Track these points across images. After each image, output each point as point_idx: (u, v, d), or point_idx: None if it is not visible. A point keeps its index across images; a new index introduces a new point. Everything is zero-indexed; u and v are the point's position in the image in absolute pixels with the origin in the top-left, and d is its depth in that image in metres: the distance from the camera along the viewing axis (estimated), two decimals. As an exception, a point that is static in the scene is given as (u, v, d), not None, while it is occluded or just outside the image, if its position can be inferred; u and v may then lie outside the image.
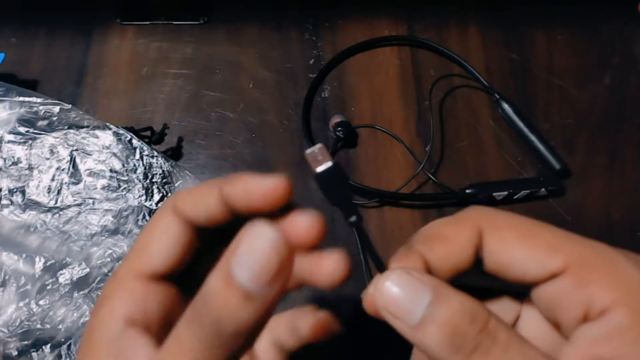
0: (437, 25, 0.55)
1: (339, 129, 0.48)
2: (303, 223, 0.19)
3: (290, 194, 0.19)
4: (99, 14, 0.56)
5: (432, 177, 0.48)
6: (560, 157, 0.48)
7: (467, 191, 0.46)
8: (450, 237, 0.19)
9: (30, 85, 0.52)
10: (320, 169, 0.20)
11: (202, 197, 0.20)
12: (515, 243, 0.18)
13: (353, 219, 0.20)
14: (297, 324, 0.27)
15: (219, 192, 0.19)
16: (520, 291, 0.20)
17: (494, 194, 0.46)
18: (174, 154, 0.50)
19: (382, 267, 0.20)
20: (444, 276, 0.19)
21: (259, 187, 0.19)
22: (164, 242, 0.20)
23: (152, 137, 0.47)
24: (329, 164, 0.19)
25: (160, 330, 0.19)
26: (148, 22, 0.55)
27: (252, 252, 0.16)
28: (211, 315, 0.16)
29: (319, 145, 0.19)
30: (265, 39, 0.55)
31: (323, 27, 0.55)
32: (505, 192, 0.46)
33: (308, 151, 0.19)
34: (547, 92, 0.52)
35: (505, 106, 0.50)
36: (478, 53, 0.54)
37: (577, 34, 0.55)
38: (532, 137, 0.49)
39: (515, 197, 0.47)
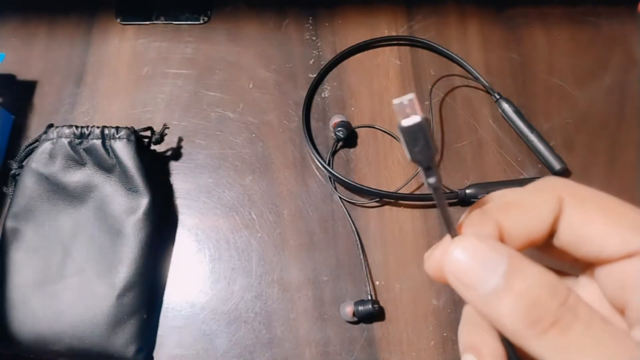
0: (437, 25, 0.55)
1: (339, 129, 0.48)
2: None
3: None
4: (99, 14, 0.56)
5: (432, 177, 0.48)
6: (560, 157, 0.48)
7: (467, 191, 0.46)
8: (529, 206, 0.18)
9: (30, 85, 0.52)
10: (406, 122, 0.18)
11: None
12: (598, 217, 0.17)
13: (432, 180, 0.18)
14: None
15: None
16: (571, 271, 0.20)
17: (494, 194, 0.46)
18: (174, 154, 0.50)
19: (453, 231, 0.18)
20: (518, 246, 0.18)
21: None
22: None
23: (152, 137, 0.47)
24: (417, 118, 0.17)
25: None
26: (148, 22, 0.55)
27: None
28: None
29: (409, 96, 0.18)
30: (265, 39, 0.55)
31: (323, 27, 0.55)
32: (505, 192, 0.46)
33: (396, 101, 0.18)
34: (547, 92, 0.52)
35: (505, 106, 0.50)
36: (478, 53, 0.54)
37: (577, 34, 0.55)
38: (532, 137, 0.49)
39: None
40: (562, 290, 0.16)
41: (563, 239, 0.18)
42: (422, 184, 0.48)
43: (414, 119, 0.18)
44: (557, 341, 0.15)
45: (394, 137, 0.50)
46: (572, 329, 0.15)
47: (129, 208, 0.43)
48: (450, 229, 0.18)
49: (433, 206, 0.47)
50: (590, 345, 0.15)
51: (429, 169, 0.18)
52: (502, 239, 0.18)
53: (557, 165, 0.48)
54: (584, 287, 0.20)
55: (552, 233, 0.18)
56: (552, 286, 0.16)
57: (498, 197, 0.19)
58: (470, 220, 0.18)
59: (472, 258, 0.17)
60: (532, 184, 0.19)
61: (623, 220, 0.17)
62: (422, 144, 0.18)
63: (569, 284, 0.20)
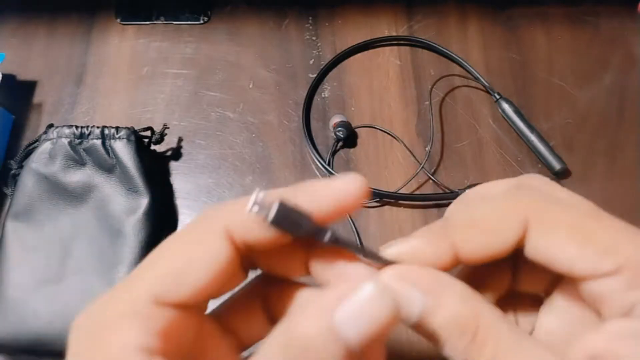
0: (437, 25, 0.55)
1: (339, 129, 0.48)
2: None
3: (364, 196, 0.18)
4: (99, 14, 0.56)
5: (432, 177, 0.48)
6: (560, 157, 0.48)
7: (467, 191, 0.46)
8: (492, 227, 0.18)
9: (30, 85, 0.52)
10: (272, 216, 0.17)
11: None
12: (565, 241, 0.17)
13: (327, 237, 0.18)
14: None
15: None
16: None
17: (494, 194, 0.46)
18: (174, 154, 0.50)
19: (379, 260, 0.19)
20: (475, 261, 0.18)
21: (329, 194, 0.18)
22: (207, 272, 0.17)
23: (152, 137, 0.47)
24: (275, 205, 0.17)
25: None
26: (148, 22, 0.55)
27: (364, 313, 0.15)
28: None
29: (255, 195, 0.17)
30: (265, 39, 0.55)
31: (323, 27, 0.55)
32: (505, 192, 0.46)
33: (251, 208, 0.17)
34: (547, 92, 0.52)
35: (505, 106, 0.50)
36: (478, 53, 0.54)
37: (577, 34, 0.55)
38: (532, 137, 0.49)
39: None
40: (471, 323, 0.17)
41: (531, 256, 0.18)
42: (422, 184, 0.49)
43: (274, 207, 0.17)
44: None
45: (394, 137, 0.50)
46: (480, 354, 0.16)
47: (129, 208, 0.43)
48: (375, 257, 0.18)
49: (433, 206, 0.47)
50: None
51: (319, 232, 0.18)
52: (456, 256, 0.18)
53: (557, 165, 0.48)
54: (569, 290, 0.20)
55: (518, 247, 0.18)
56: (460, 319, 0.17)
57: (464, 210, 0.19)
58: (424, 233, 0.18)
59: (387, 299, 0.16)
60: (505, 193, 0.19)
61: (591, 242, 0.17)
62: (297, 217, 0.17)
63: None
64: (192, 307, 0.17)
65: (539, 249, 0.18)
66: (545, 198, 0.18)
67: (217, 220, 0.17)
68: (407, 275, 0.17)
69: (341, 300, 0.15)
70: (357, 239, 0.46)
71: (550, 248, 0.17)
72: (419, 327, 0.17)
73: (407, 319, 0.17)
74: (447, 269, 0.18)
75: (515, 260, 0.20)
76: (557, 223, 0.17)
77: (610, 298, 0.17)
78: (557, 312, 0.20)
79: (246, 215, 0.17)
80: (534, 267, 0.19)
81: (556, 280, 0.20)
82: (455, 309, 0.17)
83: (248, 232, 0.17)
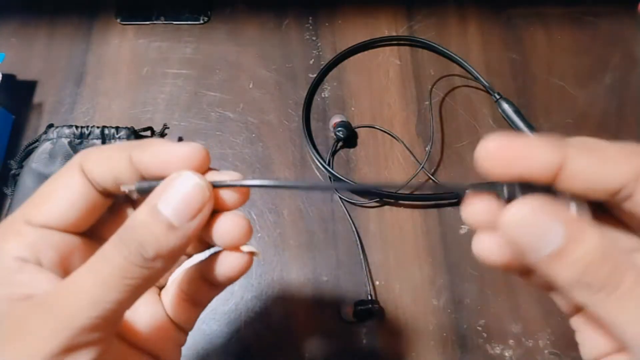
0: (437, 25, 0.55)
1: (339, 129, 0.48)
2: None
3: (207, 163, 0.21)
4: (99, 14, 0.56)
5: (432, 177, 0.48)
6: (560, 157, 0.48)
7: (467, 191, 0.46)
8: (614, 160, 0.19)
9: (30, 85, 0.52)
10: (135, 195, 0.21)
11: (111, 161, 0.21)
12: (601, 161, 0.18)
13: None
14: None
15: (129, 158, 0.20)
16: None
17: (494, 194, 0.46)
18: (174, 154, 0.50)
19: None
20: (575, 187, 0.18)
21: (173, 156, 0.20)
22: (62, 201, 0.21)
23: (152, 137, 0.47)
24: (134, 186, 0.21)
25: (54, 272, 0.20)
26: (148, 22, 0.56)
27: (178, 192, 0.19)
28: (137, 240, 0.18)
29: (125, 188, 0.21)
30: (265, 39, 0.55)
31: (323, 27, 0.55)
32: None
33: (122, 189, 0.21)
34: (547, 92, 0.52)
35: (505, 106, 0.50)
36: (478, 53, 0.54)
37: (577, 34, 0.55)
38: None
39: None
40: (614, 255, 0.17)
41: (631, 210, 0.18)
42: (422, 184, 0.49)
43: (134, 187, 0.21)
44: (605, 302, 0.17)
45: (394, 137, 0.50)
46: (619, 290, 0.16)
47: (129, 208, 0.43)
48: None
49: (433, 206, 0.47)
50: (634, 306, 0.16)
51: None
52: (561, 177, 0.18)
53: (557, 165, 0.48)
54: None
55: (620, 196, 0.18)
56: (606, 252, 0.17)
57: (582, 141, 0.20)
58: (538, 142, 0.19)
59: (531, 224, 0.17)
60: (624, 145, 0.20)
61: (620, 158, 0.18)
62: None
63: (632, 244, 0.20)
64: (68, 229, 0.21)
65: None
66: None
67: (75, 158, 0.21)
68: (547, 207, 0.17)
69: (162, 190, 0.19)
70: (357, 239, 0.46)
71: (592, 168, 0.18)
72: (552, 260, 0.17)
73: (544, 250, 0.17)
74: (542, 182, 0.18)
75: None
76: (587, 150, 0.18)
77: None
78: None
79: (95, 155, 0.21)
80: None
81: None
82: (600, 239, 0.17)
83: (102, 171, 0.21)
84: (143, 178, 0.21)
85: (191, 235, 0.19)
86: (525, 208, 0.17)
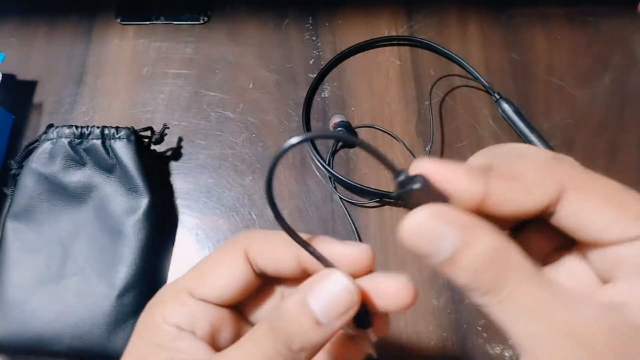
0: (437, 25, 0.55)
1: (339, 129, 0.48)
2: (391, 286, 0.21)
3: (371, 265, 0.21)
4: (99, 14, 0.56)
5: (432, 177, 0.48)
6: (560, 157, 0.48)
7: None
8: (531, 184, 0.19)
9: (30, 85, 0.52)
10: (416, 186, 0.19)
11: (277, 254, 0.22)
12: (600, 207, 0.18)
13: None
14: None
15: (296, 257, 0.21)
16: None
17: (494, 194, 0.46)
18: (174, 154, 0.50)
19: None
20: (504, 215, 0.19)
21: (340, 256, 0.21)
22: (224, 280, 0.22)
23: (152, 137, 0.47)
24: (420, 180, 0.19)
25: (206, 342, 0.22)
26: (148, 22, 0.56)
27: (327, 291, 0.20)
28: (286, 330, 0.19)
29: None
30: (265, 39, 0.55)
31: (323, 27, 0.55)
32: (505, 192, 0.46)
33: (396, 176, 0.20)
34: (547, 92, 0.52)
35: (505, 106, 0.50)
36: (478, 53, 0.54)
37: (577, 34, 0.55)
38: (532, 137, 0.49)
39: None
40: (501, 258, 0.17)
41: (560, 222, 0.19)
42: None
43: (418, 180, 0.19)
44: (492, 305, 0.18)
45: (394, 137, 0.50)
46: (502, 293, 0.17)
47: (129, 208, 0.43)
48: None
49: (433, 206, 0.47)
50: (523, 304, 0.17)
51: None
52: (485, 204, 0.18)
53: (557, 165, 0.48)
54: (573, 259, 0.21)
55: (546, 213, 0.19)
56: (494, 256, 0.17)
57: (504, 162, 0.20)
58: (462, 173, 0.19)
59: (426, 231, 0.18)
60: (542, 159, 0.20)
61: (624, 210, 0.18)
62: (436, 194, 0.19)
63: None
64: (222, 304, 0.22)
65: (572, 214, 0.18)
66: (582, 169, 0.20)
67: (240, 240, 0.23)
68: (440, 214, 0.18)
69: (314, 285, 0.20)
70: (357, 239, 0.46)
71: (585, 213, 0.18)
72: (446, 266, 0.18)
73: (438, 257, 0.18)
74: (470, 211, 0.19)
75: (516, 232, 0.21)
76: (593, 191, 0.19)
77: (626, 262, 0.18)
78: (561, 273, 0.21)
79: (261, 242, 0.22)
80: (537, 238, 0.20)
81: (554, 252, 0.21)
82: (489, 243, 0.18)
83: (266, 262, 0.22)
84: (305, 273, 0.22)
85: (336, 332, 0.20)
86: (420, 215, 0.18)
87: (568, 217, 0.19)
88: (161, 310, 0.22)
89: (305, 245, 0.21)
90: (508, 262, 0.17)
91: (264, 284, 0.24)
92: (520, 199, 0.18)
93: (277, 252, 0.22)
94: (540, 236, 0.20)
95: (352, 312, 0.20)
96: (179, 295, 0.22)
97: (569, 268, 0.21)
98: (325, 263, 0.21)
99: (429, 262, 0.19)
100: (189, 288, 0.22)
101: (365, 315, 0.21)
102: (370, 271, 0.22)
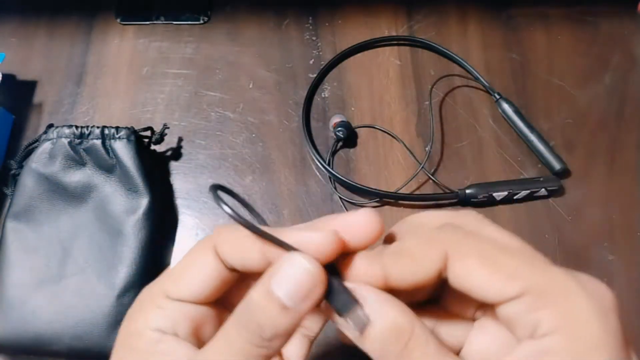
0: (437, 25, 0.55)
1: (339, 129, 0.48)
2: (358, 221, 0.21)
3: (338, 249, 0.21)
4: (99, 14, 0.56)
5: (432, 177, 0.48)
6: (560, 157, 0.48)
7: (467, 191, 0.46)
8: (416, 258, 0.21)
9: (30, 85, 0.52)
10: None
11: (245, 247, 0.22)
12: (478, 271, 0.20)
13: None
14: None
15: (260, 250, 0.21)
16: None
17: (494, 194, 0.46)
18: (174, 154, 0.50)
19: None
20: (404, 288, 0.20)
21: (308, 246, 0.21)
22: (197, 278, 0.22)
23: (152, 137, 0.47)
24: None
25: (189, 341, 0.22)
26: (148, 22, 0.55)
27: (289, 275, 0.20)
28: (255, 321, 0.20)
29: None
30: (265, 39, 0.55)
31: (323, 27, 0.55)
32: (505, 192, 0.46)
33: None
34: (547, 92, 0.52)
35: (505, 106, 0.50)
36: (478, 53, 0.54)
37: (577, 34, 0.55)
38: (532, 137, 0.49)
39: (515, 197, 0.47)
40: (407, 332, 0.19)
41: (453, 285, 0.21)
42: (422, 184, 0.49)
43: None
44: None
45: (394, 137, 0.50)
46: None
47: (129, 208, 0.43)
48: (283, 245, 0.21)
49: (433, 206, 0.47)
50: None
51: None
52: (387, 281, 0.20)
53: (557, 165, 0.48)
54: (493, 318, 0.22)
55: (442, 279, 0.21)
56: (400, 330, 0.19)
57: (395, 244, 0.22)
58: (365, 253, 0.21)
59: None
60: (427, 230, 0.22)
61: (498, 270, 0.19)
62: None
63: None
64: (201, 302, 0.23)
65: (457, 278, 0.20)
66: (465, 233, 0.21)
67: (210, 239, 0.23)
68: (354, 291, 0.20)
69: (275, 271, 0.20)
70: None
71: (465, 277, 0.20)
72: (357, 341, 0.20)
73: (351, 331, 0.20)
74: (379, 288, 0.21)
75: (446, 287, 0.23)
76: (470, 254, 0.20)
77: (518, 320, 0.19)
78: (484, 332, 0.23)
79: (228, 238, 0.22)
80: (462, 299, 0.22)
81: (482, 304, 0.23)
82: (394, 318, 0.19)
83: (236, 257, 0.22)
84: (269, 264, 0.22)
85: (304, 314, 0.20)
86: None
87: (456, 281, 0.20)
88: (141, 316, 0.22)
89: (262, 233, 0.21)
90: (412, 337, 0.19)
91: (244, 277, 0.24)
92: (412, 272, 0.20)
93: (242, 246, 0.22)
94: (464, 297, 0.21)
95: (317, 292, 0.20)
96: (156, 299, 0.22)
97: (489, 327, 0.22)
98: (287, 248, 0.20)
99: (346, 334, 0.20)
100: (164, 291, 0.22)
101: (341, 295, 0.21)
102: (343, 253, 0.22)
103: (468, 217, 0.23)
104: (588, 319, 0.18)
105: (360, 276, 0.20)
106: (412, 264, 0.20)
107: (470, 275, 0.20)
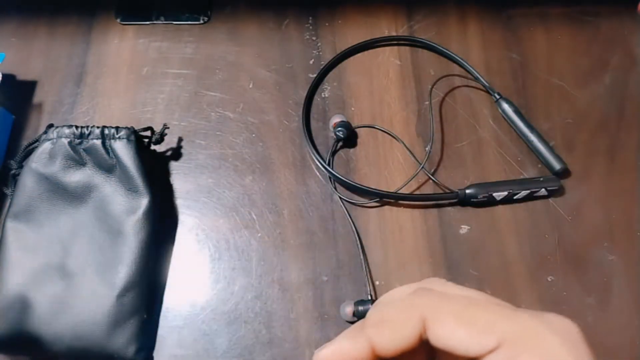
0: (437, 25, 0.55)
1: (339, 129, 0.48)
2: None
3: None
4: (99, 14, 0.56)
5: (432, 177, 0.48)
6: (560, 157, 0.48)
7: (467, 191, 0.46)
8: (397, 326, 0.22)
9: (30, 85, 0.52)
10: None
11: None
12: (455, 330, 0.21)
13: None
14: None
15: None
16: None
17: (494, 194, 0.46)
18: (174, 154, 0.50)
19: None
20: (391, 355, 0.22)
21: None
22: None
23: (152, 137, 0.47)
24: None
25: None
26: (148, 22, 0.55)
27: None
28: None
29: None
30: (265, 39, 0.55)
31: (323, 27, 0.55)
32: (505, 192, 0.46)
33: None
34: (547, 92, 0.52)
35: (505, 106, 0.50)
36: (478, 53, 0.54)
37: (577, 34, 0.55)
38: (532, 137, 0.49)
39: (515, 197, 0.47)
40: None
41: (435, 344, 0.22)
42: (422, 184, 0.49)
43: None
44: None
45: (394, 137, 0.50)
46: None
47: (129, 208, 0.43)
48: None
49: (433, 206, 0.47)
50: None
51: None
52: (374, 349, 0.21)
53: (557, 165, 0.48)
54: None
55: (424, 341, 0.22)
56: None
57: (375, 311, 0.23)
58: (348, 334, 0.22)
59: None
60: (407, 298, 0.23)
61: (474, 325, 0.21)
62: None
63: None
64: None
65: (437, 339, 0.21)
66: (438, 296, 0.22)
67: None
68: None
69: None
70: (357, 239, 0.46)
71: (445, 335, 0.21)
72: None
73: None
74: None
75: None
76: (446, 314, 0.21)
77: None
78: None
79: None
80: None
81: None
82: None
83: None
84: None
85: None
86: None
87: (437, 341, 0.21)
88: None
89: None
90: None
91: None
92: (395, 339, 0.21)
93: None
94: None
95: None
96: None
97: None
98: None
99: None
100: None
101: None
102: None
103: (433, 282, 0.25)
104: (562, 355, 0.20)
105: (350, 355, 0.22)
106: (393, 332, 0.22)
107: (449, 335, 0.21)
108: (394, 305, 0.23)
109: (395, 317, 0.22)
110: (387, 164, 0.49)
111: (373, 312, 0.24)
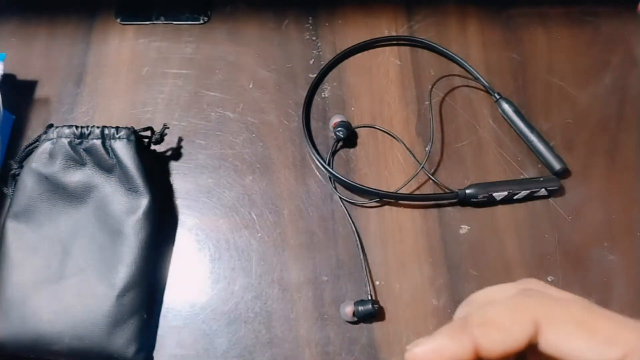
0: (437, 25, 0.55)
1: (339, 129, 0.48)
2: None
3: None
4: (99, 14, 0.56)
5: (432, 177, 0.48)
6: (560, 157, 0.48)
7: (467, 191, 0.46)
8: (506, 326, 0.20)
9: (30, 85, 0.52)
10: None
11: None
12: (573, 335, 0.20)
13: None
14: None
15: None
16: None
17: (494, 194, 0.46)
18: (174, 154, 0.50)
19: None
20: (494, 356, 0.20)
21: None
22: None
23: (152, 137, 0.47)
24: None
25: None
26: (148, 22, 0.55)
27: None
28: None
29: None
30: (265, 39, 0.55)
31: (323, 27, 0.55)
32: (505, 192, 0.46)
33: None
34: (547, 92, 0.52)
35: (505, 106, 0.50)
36: (478, 53, 0.54)
37: (577, 34, 0.55)
38: (532, 137, 0.49)
39: (515, 197, 0.47)
40: None
41: (545, 350, 0.20)
42: (422, 184, 0.49)
43: None
44: None
45: (394, 137, 0.50)
46: None
47: (129, 208, 0.43)
48: None
49: (433, 206, 0.47)
50: None
51: None
52: (477, 351, 0.20)
53: (557, 165, 0.48)
54: None
55: (532, 345, 0.21)
56: None
57: (479, 310, 0.22)
58: (450, 331, 0.21)
59: None
60: (514, 298, 0.22)
61: (596, 334, 0.19)
62: None
63: None
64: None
65: (551, 344, 0.20)
66: (551, 299, 0.21)
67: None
68: None
69: None
70: (357, 239, 0.46)
71: (561, 342, 0.20)
72: None
73: None
74: None
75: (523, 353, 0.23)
76: (564, 320, 0.20)
77: None
78: None
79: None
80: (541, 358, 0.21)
81: None
82: None
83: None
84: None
85: None
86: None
87: (549, 347, 0.20)
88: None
89: None
90: None
91: None
92: (503, 342, 0.20)
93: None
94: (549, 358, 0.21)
95: None
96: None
97: None
98: None
99: None
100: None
101: None
102: None
103: (532, 283, 0.23)
104: None
105: (451, 354, 0.20)
106: (503, 333, 0.20)
107: (565, 342, 0.20)
108: (502, 305, 0.21)
109: (504, 318, 0.21)
110: (387, 164, 0.49)
111: (474, 311, 0.22)
